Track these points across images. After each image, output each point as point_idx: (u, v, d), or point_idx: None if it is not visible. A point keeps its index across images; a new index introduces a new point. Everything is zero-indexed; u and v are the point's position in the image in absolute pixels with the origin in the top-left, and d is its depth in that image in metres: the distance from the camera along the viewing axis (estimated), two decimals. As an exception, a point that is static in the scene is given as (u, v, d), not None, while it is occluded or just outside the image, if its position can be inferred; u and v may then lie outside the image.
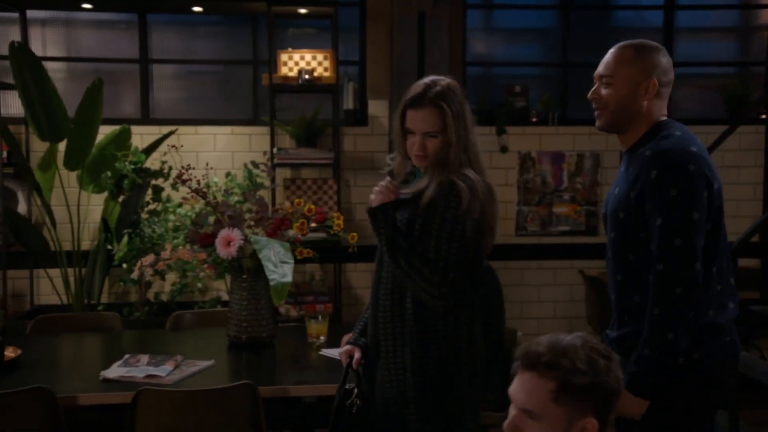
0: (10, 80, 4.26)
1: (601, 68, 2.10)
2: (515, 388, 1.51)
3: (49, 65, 4.25)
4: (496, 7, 5.26)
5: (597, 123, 2.11)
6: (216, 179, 4.09)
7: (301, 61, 4.49)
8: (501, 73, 5.34)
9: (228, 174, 4.36)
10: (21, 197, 4.51)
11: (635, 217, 2.00)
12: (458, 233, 2.08)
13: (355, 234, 2.99)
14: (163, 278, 4.37)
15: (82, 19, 4.83)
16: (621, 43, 2.10)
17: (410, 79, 4.65)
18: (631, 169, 2.03)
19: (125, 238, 4.19)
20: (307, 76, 4.30)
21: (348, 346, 2.33)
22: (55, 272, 4.43)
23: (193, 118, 4.75)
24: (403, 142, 2.19)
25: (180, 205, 4.29)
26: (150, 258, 2.85)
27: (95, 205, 4.51)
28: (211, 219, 3.05)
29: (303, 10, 4.48)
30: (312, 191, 4.63)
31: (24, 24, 4.51)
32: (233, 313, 3.01)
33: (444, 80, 2.18)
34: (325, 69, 4.50)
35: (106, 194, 4.44)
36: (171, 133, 4.44)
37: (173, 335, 3.29)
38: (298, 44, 4.71)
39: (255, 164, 4.25)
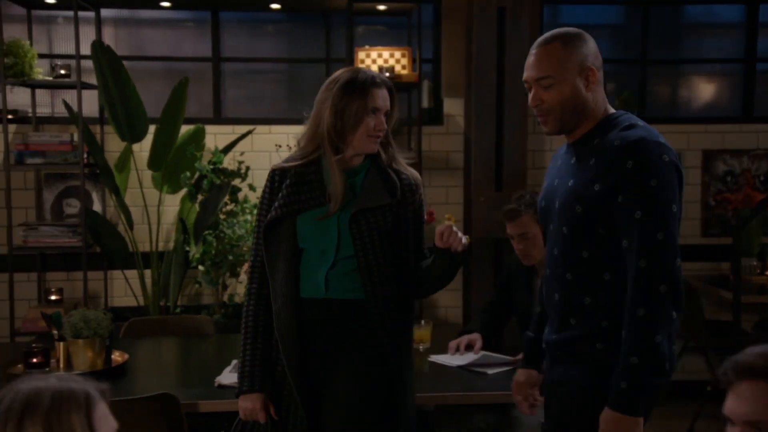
0: (83, 79, 4.23)
1: (532, 71, 1.92)
2: (733, 404, 1.41)
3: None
4: (572, 3, 5.14)
5: (545, 129, 1.95)
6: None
7: (379, 59, 4.41)
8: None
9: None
10: (95, 198, 4.47)
11: (596, 211, 1.84)
12: None
13: (468, 236, 2.89)
14: (238, 279, 4.31)
15: (147, 17, 4.80)
16: (541, 40, 1.93)
17: (489, 76, 4.57)
18: (593, 161, 1.87)
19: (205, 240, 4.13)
20: (387, 74, 4.22)
21: (254, 397, 2.09)
22: (130, 273, 4.40)
23: (264, 117, 4.68)
24: (356, 125, 2.07)
25: (256, 206, 4.23)
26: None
27: (169, 206, 4.47)
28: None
29: (382, 7, 4.40)
30: (387, 191, 4.54)
31: (98, 23, 4.46)
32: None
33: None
34: (403, 67, 4.42)
35: (181, 195, 4.40)
36: (249, 132, 4.39)
37: (270, 339, 3.22)
38: (369, 42, 4.63)
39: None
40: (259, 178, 4.28)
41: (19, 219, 4.33)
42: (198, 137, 4.37)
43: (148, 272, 4.36)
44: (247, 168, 4.25)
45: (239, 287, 4.51)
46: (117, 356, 2.71)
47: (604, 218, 1.83)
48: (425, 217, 2.22)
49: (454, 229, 2.05)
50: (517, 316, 3.14)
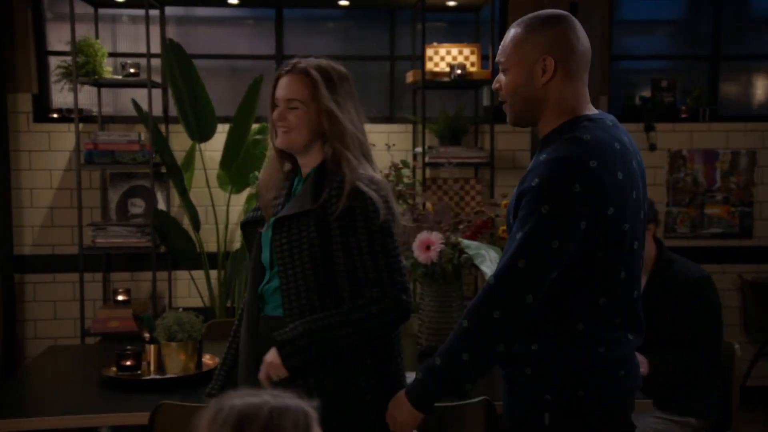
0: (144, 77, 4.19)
1: (498, 53, 1.78)
2: None
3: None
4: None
5: (507, 118, 1.82)
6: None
7: (447, 56, 4.33)
8: (627, 68, 5.09)
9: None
10: (160, 197, 4.43)
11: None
12: (390, 240, 1.90)
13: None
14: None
15: (206, 15, 4.75)
16: (516, 21, 1.77)
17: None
18: (528, 170, 1.74)
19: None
20: (459, 71, 4.13)
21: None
22: (196, 274, 4.35)
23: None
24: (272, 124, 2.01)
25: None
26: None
27: (233, 205, 4.42)
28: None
29: (452, 3, 4.32)
30: (453, 191, 4.46)
31: (163, 21, 4.43)
32: (425, 320, 2.86)
33: (325, 60, 2.01)
34: (472, 64, 4.33)
35: (245, 195, 4.36)
36: (316, 131, 4.32)
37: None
38: (433, 39, 4.54)
39: (405, 163, 4.10)
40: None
41: (85, 219, 4.30)
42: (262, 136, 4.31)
43: (212, 273, 4.32)
44: (315, 167, 4.18)
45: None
46: (207, 359, 2.66)
47: None
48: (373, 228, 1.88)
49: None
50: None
